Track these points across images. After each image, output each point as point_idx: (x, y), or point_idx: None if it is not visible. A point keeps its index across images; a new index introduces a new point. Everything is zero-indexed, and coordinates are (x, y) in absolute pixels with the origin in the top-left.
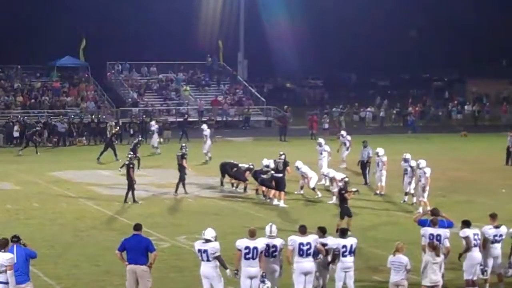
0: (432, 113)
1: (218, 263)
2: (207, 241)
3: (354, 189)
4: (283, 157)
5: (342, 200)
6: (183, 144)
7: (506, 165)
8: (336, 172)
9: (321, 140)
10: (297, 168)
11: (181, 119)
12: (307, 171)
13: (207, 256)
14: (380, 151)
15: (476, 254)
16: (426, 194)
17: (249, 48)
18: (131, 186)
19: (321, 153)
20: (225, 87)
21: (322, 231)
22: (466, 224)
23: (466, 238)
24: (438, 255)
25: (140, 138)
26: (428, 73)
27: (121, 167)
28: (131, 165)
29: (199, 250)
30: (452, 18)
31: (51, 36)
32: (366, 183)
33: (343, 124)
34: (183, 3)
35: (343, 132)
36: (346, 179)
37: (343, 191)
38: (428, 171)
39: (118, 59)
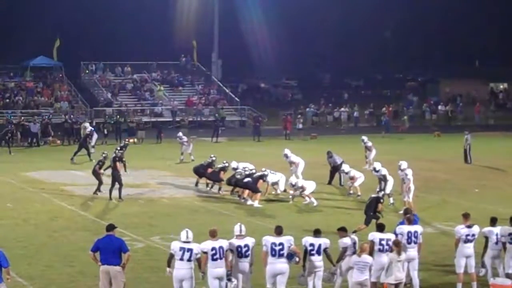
0: (407, 113)
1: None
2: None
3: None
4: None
5: (374, 208)
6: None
7: (465, 163)
8: (305, 181)
9: (287, 151)
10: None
11: (155, 119)
12: (273, 179)
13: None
14: None
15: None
16: (411, 195)
17: (223, 48)
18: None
19: (290, 166)
20: (199, 87)
21: (343, 231)
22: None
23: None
24: (400, 253)
25: (126, 141)
26: (401, 73)
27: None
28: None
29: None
30: (425, 18)
31: (25, 36)
32: (329, 183)
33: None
34: (158, 2)
35: (364, 138)
36: (381, 194)
37: (382, 200)
38: (409, 172)
39: (92, 59)
